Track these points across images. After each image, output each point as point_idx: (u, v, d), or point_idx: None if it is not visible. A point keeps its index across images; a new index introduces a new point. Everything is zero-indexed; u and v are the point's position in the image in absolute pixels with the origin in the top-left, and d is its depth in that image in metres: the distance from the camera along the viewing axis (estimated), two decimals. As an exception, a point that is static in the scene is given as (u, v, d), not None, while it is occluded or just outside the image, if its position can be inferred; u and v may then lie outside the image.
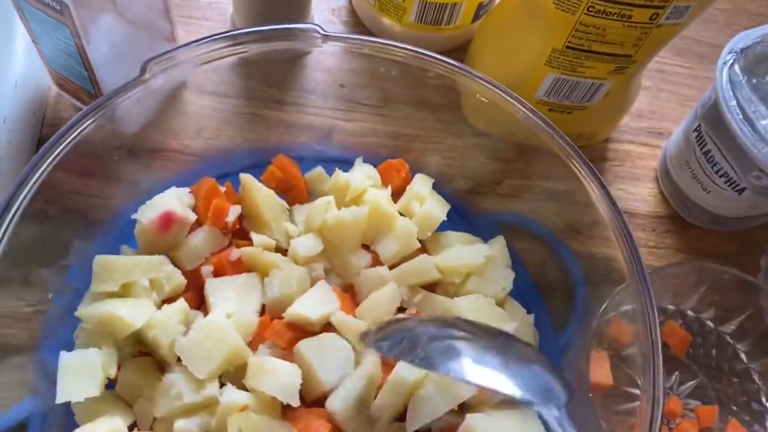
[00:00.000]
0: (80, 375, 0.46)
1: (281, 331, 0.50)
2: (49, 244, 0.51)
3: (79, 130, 0.45)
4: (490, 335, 0.46)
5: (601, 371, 0.52)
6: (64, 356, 0.47)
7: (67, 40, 0.52)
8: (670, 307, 0.62)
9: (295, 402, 0.46)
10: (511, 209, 0.63)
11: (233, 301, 0.51)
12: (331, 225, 0.53)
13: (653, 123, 0.73)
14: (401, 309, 0.54)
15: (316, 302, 0.51)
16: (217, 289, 0.51)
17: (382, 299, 0.52)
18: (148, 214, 0.51)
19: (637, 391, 0.48)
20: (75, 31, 0.51)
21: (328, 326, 0.51)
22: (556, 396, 0.44)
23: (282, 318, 0.51)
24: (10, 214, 0.43)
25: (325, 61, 0.69)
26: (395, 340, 0.45)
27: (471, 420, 0.47)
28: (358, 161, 0.58)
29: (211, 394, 0.47)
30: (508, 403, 0.51)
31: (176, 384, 0.48)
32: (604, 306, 0.55)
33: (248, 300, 0.51)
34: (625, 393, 0.55)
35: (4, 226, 0.43)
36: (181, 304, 0.50)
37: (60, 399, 0.46)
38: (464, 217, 0.62)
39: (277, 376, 0.47)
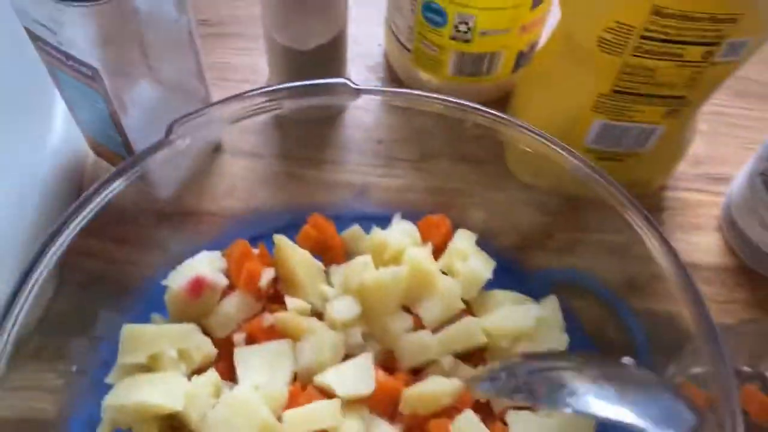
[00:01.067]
0: None
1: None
2: (77, 313, 0.49)
3: (103, 194, 0.44)
4: (600, 363, 0.45)
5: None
6: None
7: (99, 105, 0.51)
8: (746, 369, 0.56)
9: None
10: (564, 265, 0.59)
11: (263, 371, 0.48)
12: (370, 286, 0.50)
13: (712, 168, 0.68)
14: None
15: (349, 377, 0.47)
16: (246, 359, 0.48)
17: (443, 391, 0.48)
18: (178, 279, 0.49)
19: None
20: (107, 96, 0.50)
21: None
22: (682, 419, 0.42)
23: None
24: (32, 281, 0.41)
25: (362, 118, 0.68)
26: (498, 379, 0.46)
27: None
28: (396, 217, 0.56)
29: (242, 473, 0.44)
30: None
31: (206, 463, 0.44)
32: (671, 369, 0.50)
33: (279, 369, 0.48)
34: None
35: (26, 293, 0.41)
36: (212, 375, 0.47)
37: None
38: (513, 274, 0.57)
39: None
